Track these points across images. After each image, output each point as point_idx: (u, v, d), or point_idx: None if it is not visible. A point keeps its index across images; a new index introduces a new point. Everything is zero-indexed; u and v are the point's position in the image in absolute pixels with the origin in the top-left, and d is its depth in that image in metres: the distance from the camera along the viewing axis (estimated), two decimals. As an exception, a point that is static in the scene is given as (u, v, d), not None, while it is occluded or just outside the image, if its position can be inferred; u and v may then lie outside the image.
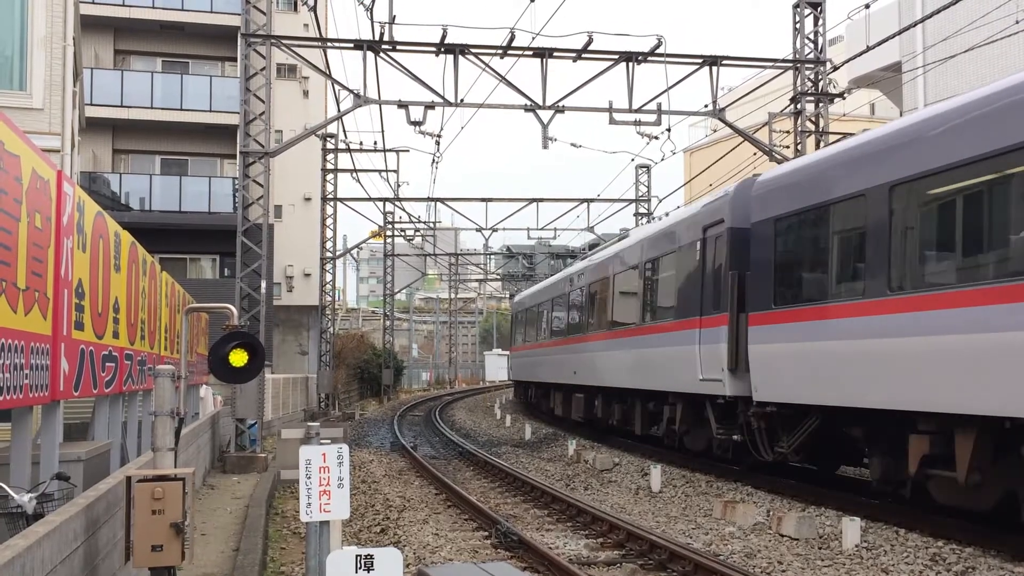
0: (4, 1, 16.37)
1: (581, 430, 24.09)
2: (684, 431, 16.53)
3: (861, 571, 8.96)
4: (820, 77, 21.00)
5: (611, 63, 20.25)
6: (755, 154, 23.20)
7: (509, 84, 20.27)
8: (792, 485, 13.56)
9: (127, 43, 33.73)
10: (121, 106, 31.52)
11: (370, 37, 20.04)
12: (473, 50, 19.90)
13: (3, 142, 5.65)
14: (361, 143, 37.98)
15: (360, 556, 4.90)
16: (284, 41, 20.57)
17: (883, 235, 10.48)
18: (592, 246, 41.13)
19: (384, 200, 39.75)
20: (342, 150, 37.15)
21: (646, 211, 38.06)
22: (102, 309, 8.57)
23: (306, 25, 33.23)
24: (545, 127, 20.67)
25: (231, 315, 7.91)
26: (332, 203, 37.83)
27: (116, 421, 10.34)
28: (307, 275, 37.27)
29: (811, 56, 20.97)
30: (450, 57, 19.78)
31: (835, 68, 21.20)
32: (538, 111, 20.38)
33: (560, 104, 20.41)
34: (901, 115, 26.11)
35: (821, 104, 21.04)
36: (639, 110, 20.67)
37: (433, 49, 19.76)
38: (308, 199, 37.08)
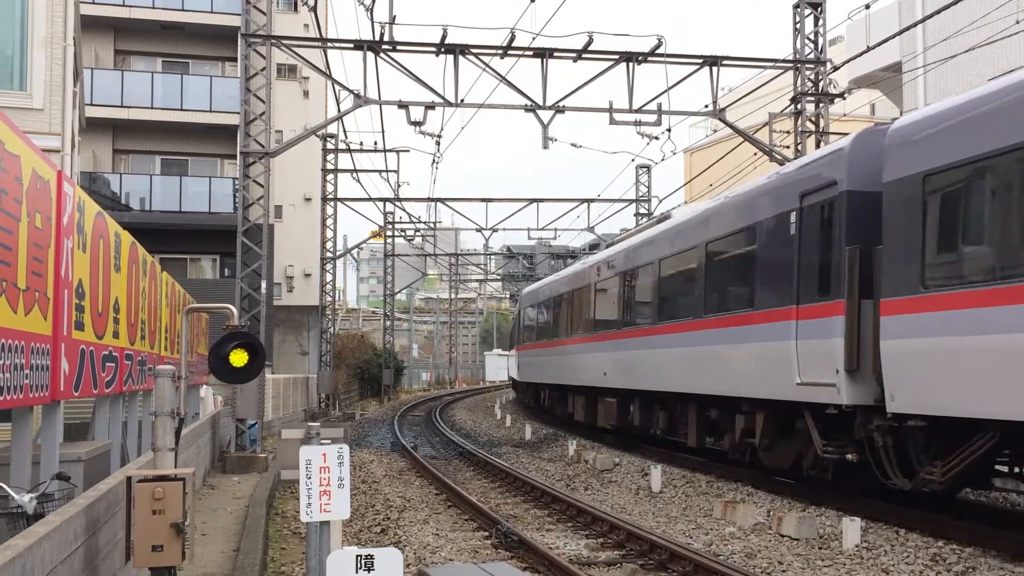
0: (4, 1, 16.37)
1: (605, 437, 22.01)
2: (766, 446, 13.50)
3: (861, 571, 8.96)
4: (820, 77, 21.00)
5: (611, 63, 20.25)
6: (755, 154, 23.20)
7: (509, 84, 20.27)
8: (792, 485, 13.54)
9: (127, 43, 33.73)
10: (121, 106, 31.53)
11: (370, 37, 20.06)
12: (473, 50, 19.90)
13: (3, 142, 5.65)
14: (361, 143, 38.01)
15: (360, 556, 4.91)
16: (284, 41, 20.58)
17: None
18: (592, 246, 41.18)
19: (384, 200, 39.78)
20: (342, 150, 37.16)
21: (646, 211, 38.07)
22: (102, 309, 8.57)
23: (306, 25, 33.23)
24: (545, 127, 20.67)
25: (231, 315, 7.91)
26: (332, 203, 37.84)
27: (116, 421, 10.34)
28: (307, 275, 37.27)
29: (811, 56, 20.97)
30: (450, 57, 19.78)
31: (835, 68, 21.20)
32: (538, 111, 20.38)
33: (560, 104, 20.41)
34: (901, 115, 26.11)
35: (821, 104, 21.04)
36: (639, 110, 20.67)
37: (433, 49, 19.76)
38: (308, 199, 37.07)
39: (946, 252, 9.77)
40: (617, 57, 20.14)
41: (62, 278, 6.98)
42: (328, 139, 36.58)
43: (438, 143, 24.67)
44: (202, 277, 32.63)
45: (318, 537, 5.84)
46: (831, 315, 11.15)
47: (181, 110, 32.17)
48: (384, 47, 19.74)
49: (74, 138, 19.94)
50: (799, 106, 21.04)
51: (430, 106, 20.31)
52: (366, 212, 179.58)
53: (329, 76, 23.48)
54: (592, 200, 37.57)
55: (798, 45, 20.98)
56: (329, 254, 38.30)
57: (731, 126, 21.56)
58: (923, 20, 20.74)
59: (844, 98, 21.77)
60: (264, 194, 19.93)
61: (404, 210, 42.19)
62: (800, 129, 20.99)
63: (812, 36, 20.99)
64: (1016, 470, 10.47)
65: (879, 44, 19.36)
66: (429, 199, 37.33)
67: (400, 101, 20.29)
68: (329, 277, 38.55)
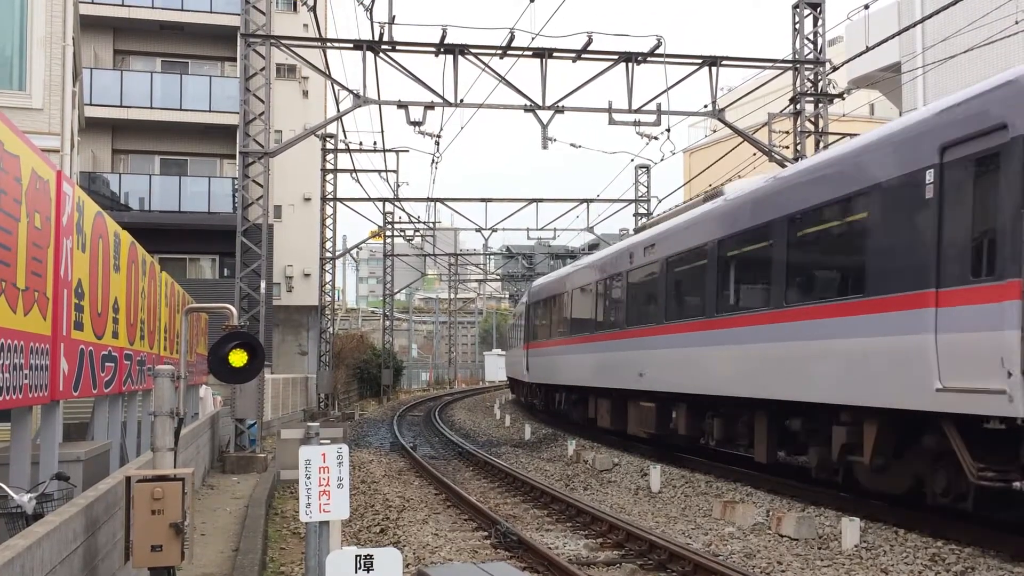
0: (4, 1, 16.37)
1: (637, 447, 19.49)
2: (880, 466, 10.86)
3: (860, 571, 8.96)
4: (819, 77, 21.00)
5: (611, 63, 20.25)
6: (754, 154, 23.21)
7: (509, 84, 20.27)
8: (791, 485, 13.55)
9: (126, 43, 33.73)
10: (120, 106, 31.52)
11: (370, 37, 20.05)
12: (473, 50, 19.90)
13: (3, 142, 5.65)
14: (361, 143, 38.01)
15: (360, 556, 4.91)
16: (284, 41, 20.57)
17: None
18: (592, 246, 41.16)
19: (384, 200, 39.78)
20: (342, 150, 37.15)
21: (645, 211, 38.07)
22: (102, 309, 8.57)
23: (305, 25, 33.22)
24: (545, 127, 20.67)
25: (230, 315, 7.91)
26: (332, 203, 37.84)
27: (115, 421, 10.34)
28: (307, 275, 37.27)
29: (811, 56, 20.97)
30: (450, 57, 19.78)
31: (835, 68, 21.20)
32: (538, 111, 20.38)
33: (560, 104, 20.41)
34: (900, 115, 26.13)
35: (820, 104, 21.04)
36: (639, 110, 20.67)
37: (433, 49, 19.76)
38: (308, 199, 37.07)
39: None
40: (616, 57, 20.14)
41: (61, 278, 6.98)
42: (327, 139, 36.58)
43: (437, 143, 24.66)
44: (201, 277, 32.63)
45: (317, 537, 5.84)
46: (1000, 300, 8.56)
47: (180, 110, 32.18)
48: (383, 47, 19.73)
49: (73, 138, 19.94)
50: (798, 106, 21.05)
51: (429, 106, 20.31)
52: (365, 212, 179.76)
53: (328, 76, 23.48)
54: (591, 200, 37.57)
55: (797, 45, 20.98)
56: (328, 254, 38.30)
57: (730, 126, 21.56)
58: (922, 20, 20.75)
59: (843, 98, 21.77)
60: (263, 194, 19.92)
61: (403, 210, 42.21)
62: (799, 129, 21.00)
63: (811, 36, 20.99)
64: None
65: (878, 44, 19.36)
66: (428, 199, 37.35)
67: (399, 101, 20.29)
68: (328, 277, 38.55)
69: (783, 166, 19.63)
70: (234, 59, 30.79)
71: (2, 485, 6.20)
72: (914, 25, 21.73)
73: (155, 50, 34.06)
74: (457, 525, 12.20)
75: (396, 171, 36.93)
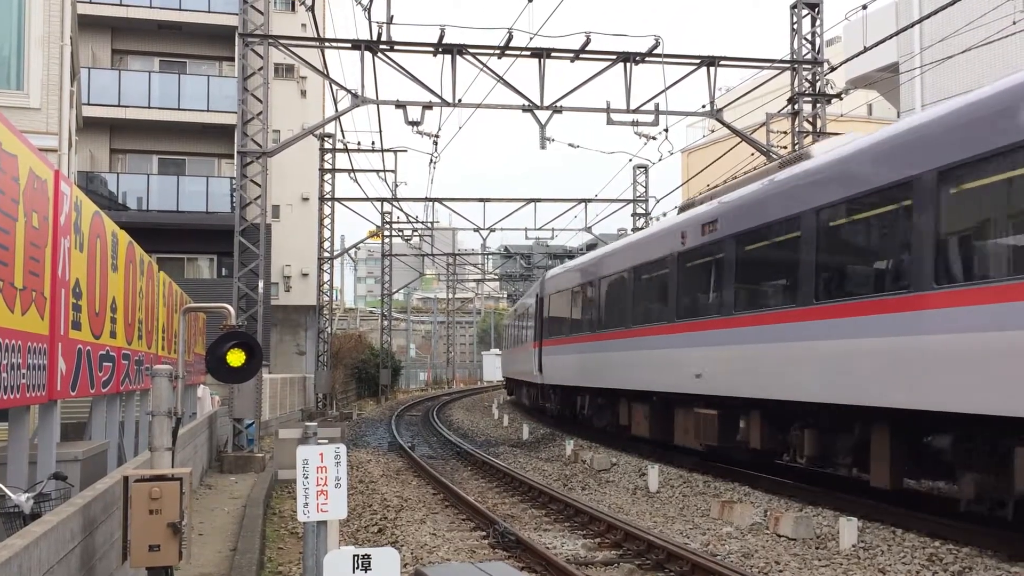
0: (2, 1, 16.35)
1: (680, 459, 17.28)
2: None
3: (858, 571, 8.97)
4: (817, 78, 21.02)
5: (609, 63, 20.26)
6: (753, 155, 23.22)
7: (507, 84, 20.27)
8: (789, 485, 13.56)
9: (124, 43, 33.71)
10: (118, 106, 31.51)
11: (368, 37, 20.05)
12: (471, 50, 19.90)
13: (0, 142, 5.65)
14: (359, 143, 38.08)
15: (357, 556, 4.90)
16: (282, 41, 20.57)
17: None
18: (590, 246, 41.14)
19: (382, 200, 39.76)
20: (340, 150, 37.14)
21: (644, 211, 38.08)
22: (99, 309, 8.56)
23: (304, 25, 33.20)
24: (543, 127, 20.68)
25: (228, 315, 7.90)
26: (330, 203, 37.83)
27: (113, 421, 10.34)
28: (305, 275, 37.26)
29: (809, 57, 20.99)
30: (448, 57, 19.78)
31: (832, 69, 21.22)
32: (536, 111, 20.39)
33: (558, 104, 20.42)
34: (899, 116, 26.17)
35: (818, 105, 21.06)
36: (637, 110, 20.69)
37: (431, 49, 19.76)
38: (306, 199, 37.06)
39: None
40: (615, 57, 20.15)
41: (59, 278, 6.98)
42: (326, 139, 36.57)
43: (436, 143, 24.66)
44: (199, 277, 32.62)
45: (315, 537, 5.85)
46: None
47: (178, 110, 32.16)
48: (382, 47, 19.73)
49: (71, 138, 19.92)
50: (796, 106, 21.06)
51: (428, 106, 20.32)
52: (363, 212, 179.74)
53: (327, 76, 23.47)
54: (589, 200, 37.58)
55: (795, 45, 21.00)
56: (326, 254, 38.29)
57: (728, 126, 21.57)
58: (920, 21, 20.73)
59: (841, 98, 21.80)
60: (261, 194, 19.92)
61: (402, 210, 42.22)
62: (797, 129, 21.02)
63: (809, 36, 21.01)
64: None
65: (876, 44, 19.37)
66: (427, 199, 37.33)
67: (398, 101, 20.29)
68: (326, 277, 38.54)
69: (781, 167, 19.62)
70: (232, 59, 30.77)
71: (0, 485, 6.19)
72: (912, 25, 21.73)
73: (153, 50, 34.04)
74: (455, 525, 12.20)
75: (394, 171, 36.93)
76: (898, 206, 10.62)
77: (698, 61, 20.63)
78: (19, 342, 5.94)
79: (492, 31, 64.46)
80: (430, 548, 10.37)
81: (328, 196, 37.63)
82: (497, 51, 19.80)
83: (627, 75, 20.18)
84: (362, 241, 48.02)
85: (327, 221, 38.04)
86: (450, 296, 76.18)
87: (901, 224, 10.59)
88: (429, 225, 44.79)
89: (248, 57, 19.90)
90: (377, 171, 36.46)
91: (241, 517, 11.66)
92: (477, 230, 39.08)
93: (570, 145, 26.65)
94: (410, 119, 20.49)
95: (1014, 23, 18.05)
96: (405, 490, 15.43)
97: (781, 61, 21.38)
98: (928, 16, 18.73)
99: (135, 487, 5.86)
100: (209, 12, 32.97)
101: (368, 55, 19.77)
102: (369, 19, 20.32)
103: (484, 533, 11.27)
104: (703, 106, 21.33)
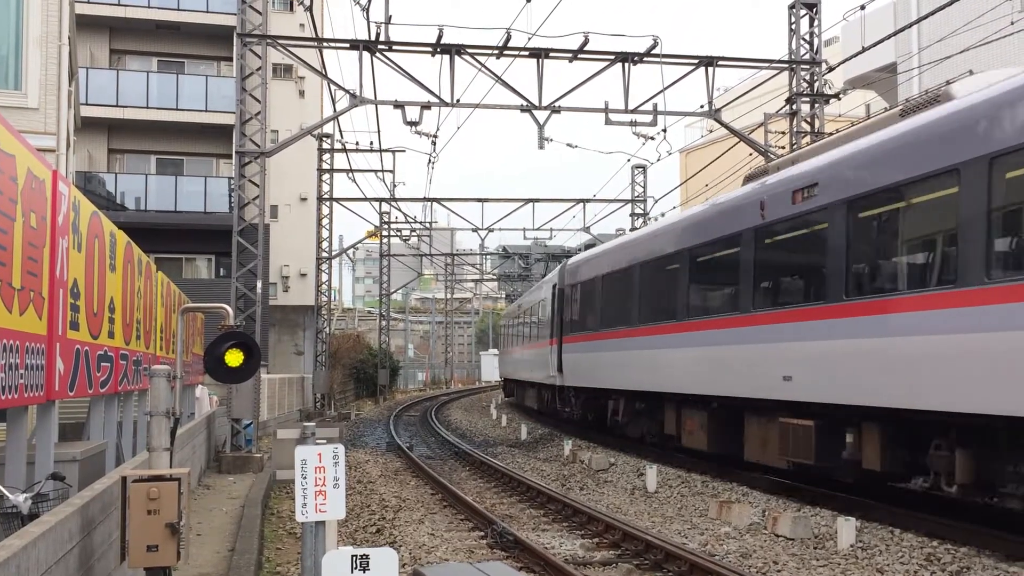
0: (0, 1, 16.34)
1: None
2: None
3: (856, 571, 8.97)
4: (816, 78, 21.04)
5: (607, 63, 20.27)
6: (751, 155, 23.24)
7: (505, 84, 20.28)
8: (787, 485, 13.56)
9: (123, 43, 33.69)
10: (117, 106, 31.48)
11: (366, 37, 20.06)
12: (469, 50, 19.91)
13: (-2, 142, 5.64)
14: (357, 143, 38.08)
15: (356, 556, 4.90)
16: (280, 41, 20.57)
17: None
18: (588, 246, 41.13)
19: (380, 200, 39.77)
20: (338, 150, 37.14)
21: (642, 211, 38.09)
22: (97, 309, 8.56)
23: (302, 25, 33.21)
24: (541, 127, 20.69)
25: (227, 315, 7.90)
26: (328, 203, 37.82)
27: (111, 421, 10.33)
28: (303, 275, 37.26)
29: (807, 57, 21.01)
30: (446, 57, 19.78)
31: (831, 69, 21.25)
32: (534, 111, 20.39)
33: (556, 104, 20.43)
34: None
35: (817, 105, 21.08)
36: (635, 111, 20.71)
37: (429, 49, 19.76)
38: (304, 199, 37.06)
39: None
40: (613, 57, 20.16)
41: (57, 278, 6.97)
42: (324, 139, 36.56)
43: (434, 143, 24.69)
44: (197, 277, 32.60)
45: (313, 537, 5.84)
46: None
47: (177, 110, 32.14)
48: (380, 47, 19.73)
49: (69, 138, 19.90)
50: (794, 107, 21.08)
51: (426, 106, 20.33)
52: (362, 212, 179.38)
53: (325, 76, 23.47)
54: (588, 200, 37.60)
55: (793, 46, 21.02)
56: (325, 254, 38.29)
57: (727, 127, 21.59)
58: (918, 21, 20.76)
59: (839, 99, 21.81)
60: (260, 194, 19.92)
61: (400, 210, 42.24)
62: (795, 130, 21.03)
63: (807, 37, 21.03)
64: None
65: (874, 45, 19.39)
66: (425, 199, 37.33)
67: (396, 101, 20.29)
68: (325, 277, 38.54)
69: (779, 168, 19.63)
70: (230, 59, 30.74)
71: (-2, 485, 6.19)
72: (910, 26, 21.76)
73: (151, 50, 34.02)
74: (453, 525, 12.20)
75: (392, 171, 36.90)
76: None
77: (696, 61, 20.65)
78: (17, 342, 5.94)
79: (490, 31, 64.55)
80: (428, 548, 10.37)
81: (326, 196, 37.63)
82: (495, 51, 19.81)
83: (625, 75, 20.20)
84: (360, 241, 48.07)
85: (325, 221, 38.05)
86: (448, 296, 76.18)
87: None
88: (427, 225, 44.80)
89: (246, 57, 19.90)
90: (375, 171, 36.48)
91: (239, 517, 11.65)
92: (475, 230, 39.12)
93: (568, 145, 26.70)
94: (408, 119, 20.50)
95: (1012, 23, 18.08)
96: (403, 490, 15.43)
97: (779, 61, 21.40)
98: (926, 16, 18.76)
99: (133, 487, 5.86)
100: (207, 12, 32.94)
101: (366, 55, 19.77)
102: (367, 19, 20.36)
103: (482, 533, 11.27)
104: (701, 106, 21.35)
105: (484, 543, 10.75)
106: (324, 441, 5.95)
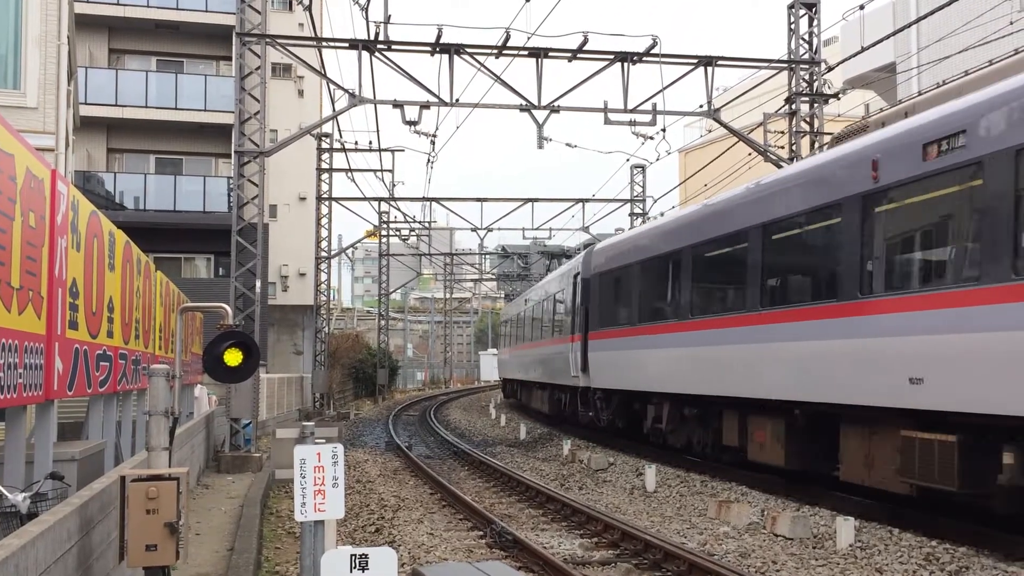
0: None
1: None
2: None
3: (855, 571, 8.98)
4: (815, 78, 21.04)
5: (606, 63, 20.28)
6: (750, 155, 23.24)
7: (504, 84, 20.28)
8: (786, 485, 13.56)
9: (122, 42, 33.69)
10: (116, 105, 31.48)
11: (365, 37, 20.06)
12: (468, 50, 19.91)
13: (-3, 141, 5.64)
14: (356, 143, 38.08)
15: (355, 555, 4.90)
16: (279, 40, 20.56)
17: None
18: (587, 246, 41.15)
19: (379, 200, 39.76)
20: (337, 150, 37.12)
21: (641, 211, 38.09)
22: (96, 308, 8.55)
23: (301, 24, 33.22)
24: (540, 127, 20.69)
25: (225, 314, 7.90)
26: (327, 202, 37.81)
27: (110, 420, 10.32)
28: (302, 275, 37.25)
29: (806, 57, 21.02)
30: (445, 57, 19.78)
31: (830, 69, 21.25)
32: (533, 111, 20.39)
33: (555, 104, 20.43)
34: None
35: (816, 105, 21.08)
36: (634, 110, 20.71)
37: (428, 49, 19.76)
38: (303, 198, 37.05)
39: None
40: (612, 57, 20.16)
41: (56, 277, 6.97)
42: (323, 138, 36.55)
43: (433, 143, 24.70)
44: (196, 276, 32.59)
45: (312, 536, 5.84)
46: None
47: (176, 109, 32.14)
48: (379, 46, 19.73)
49: (68, 137, 19.89)
50: (794, 106, 21.09)
51: (425, 106, 20.32)
52: (361, 212, 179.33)
53: (324, 75, 23.46)
54: (587, 200, 37.59)
55: (793, 45, 21.02)
56: (324, 253, 38.27)
57: (726, 126, 21.59)
58: (917, 21, 20.77)
59: (839, 98, 21.82)
60: (259, 193, 19.91)
61: (399, 209, 42.24)
62: (795, 129, 21.04)
63: (807, 36, 21.04)
64: None
65: (873, 45, 19.40)
66: (424, 199, 37.32)
67: (395, 100, 20.28)
68: (324, 276, 38.53)
69: (779, 167, 19.66)
70: (229, 58, 30.74)
71: (-4, 485, 6.19)
72: (909, 26, 21.77)
73: (150, 49, 34.02)
74: (452, 525, 12.21)
75: (392, 171, 36.92)
76: None
77: (695, 61, 20.65)
78: (16, 341, 5.94)
79: (490, 31, 64.39)
80: (427, 548, 10.36)
81: (325, 196, 37.61)
82: (495, 51, 19.81)
83: (624, 75, 20.20)
84: (359, 241, 48.00)
85: (324, 221, 38.02)
86: (447, 296, 76.16)
87: None
88: (426, 225, 44.77)
89: (245, 56, 19.89)
90: (374, 171, 36.47)
91: (238, 517, 11.65)
92: (474, 230, 39.09)
93: (567, 145, 26.68)
94: (407, 119, 20.49)
95: (1011, 23, 18.09)
96: (402, 490, 15.42)
97: (778, 61, 21.40)
98: (925, 16, 18.77)
99: (132, 487, 5.85)
100: (206, 11, 32.95)
101: (365, 55, 19.76)
102: (366, 19, 20.33)
103: (481, 533, 11.28)
104: (700, 106, 21.35)
105: (483, 543, 10.75)
106: (323, 441, 5.95)
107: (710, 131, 38.01)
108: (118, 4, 32.15)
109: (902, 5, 26.14)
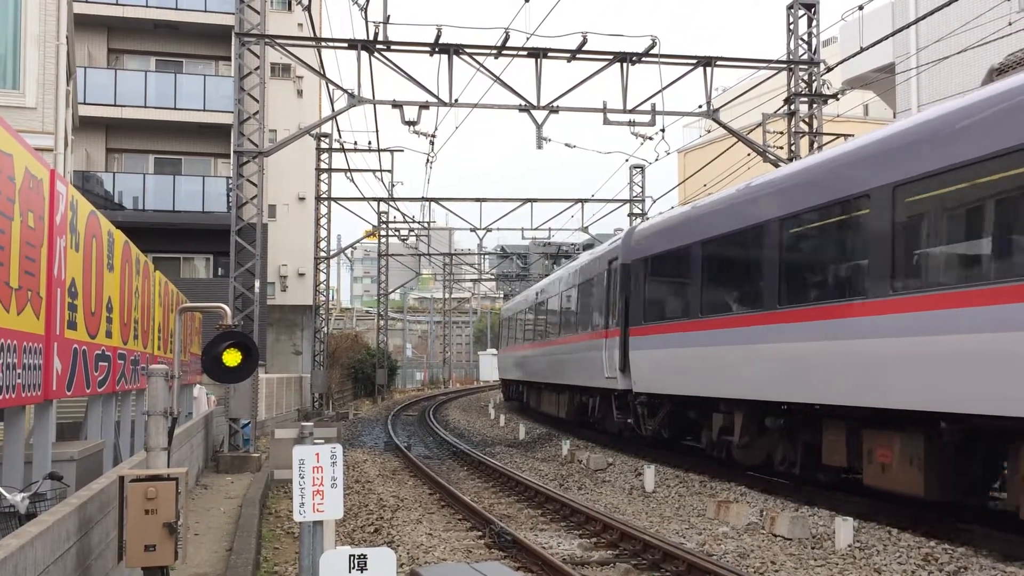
0: (-3, 0, 16.34)
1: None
2: None
3: (854, 571, 8.98)
4: (814, 78, 21.05)
5: (605, 63, 20.28)
6: (749, 155, 23.25)
7: (503, 84, 20.28)
8: (785, 485, 13.56)
9: (121, 42, 33.67)
10: (115, 105, 31.46)
11: (364, 37, 20.06)
12: (467, 50, 19.91)
13: (-4, 141, 5.64)
14: (355, 143, 38.07)
15: (353, 556, 4.90)
16: (278, 40, 20.56)
17: None
18: (587, 247, 41.14)
19: (378, 200, 39.75)
20: (336, 150, 37.12)
21: (640, 211, 38.10)
22: (95, 308, 8.55)
23: (300, 24, 33.20)
24: (539, 127, 20.69)
25: (224, 315, 7.90)
26: (326, 203, 37.81)
27: (109, 421, 10.32)
28: (301, 275, 37.24)
29: (805, 57, 21.02)
30: (444, 57, 19.78)
31: (829, 69, 21.26)
32: (532, 111, 20.39)
33: (554, 104, 20.42)
34: (895, 117, 26.22)
35: (815, 105, 21.09)
36: (633, 111, 20.72)
37: (427, 49, 19.76)
38: (302, 199, 37.04)
39: None
40: (611, 57, 20.17)
41: (55, 277, 6.96)
42: (322, 138, 36.55)
43: (432, 143, 24.69)
44: (195, 276, 32.58)
45: (311, 537, 5.84)
46: None
47: (175, 109, 32.12)
48: (378, 46, 19.73)
49: (67, 137, 19.88)
50: (793, 107, 21.09)
51: (424, 106, 20.32)
52: (360, 212, 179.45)
53: (323, 75, 23.46)
54: (586, 200, 37.60)
55: (792, 46, 21.03)
56: (323, 253, 38.27)
57: (725, 127, 21.60)
58: (916, 21, 20.77)
59: (838, 99, 21.83)
60: (258, 193, 19.91)
61: (398, 210, 42.24)
62: (794, 130, 21.04)
63: (806, 37, 21.04)
64: None
65: (872, 45, 19.41)
66: (423, 199, 37.32)
67: (394, 101, 20.28)
68: (323, 277, 38.52)
69: (777, 167, 19.65)
70: (229, 58, 30.75)
71: (-5, 485, 6.19)
72: (908, 26, 21.77)
73: (149, 49, 34.00)
74: (451, 525, 12.20)
75: (391, 171, 36.93)
76: None
77: (695, 61, 20.65)
78: (15, 342, 5.93)
79: (489, 31, 64.42)
80: (426, 548, 10.36)
81: (324, 196, 37.60)
82: (494, 51, 19.81)
83: (624, 75, 20.20)
84: (358, 241, 48.00)
85: (323, 221, 38.02)
86: (446, 296, 76.18)
87: None
88: (425, 225, 44.78)
89: (244, 56, 19.89)
90: (373, 171, 36.48)
91: (237, 517, 11.65)
92: (473, 230, 39.09)
93: (567, 145, 26.68)
94: (407, 119, 20.49)
95: (1010, 23, 18.10)
96: (401, 490, 15.42)
97: (777, 61, 21.41)
98: (924, 17, 18.77)
99: (131, 487, 5.85)
100: (205, 11, 32.93)
101: (365, 55, 19.76)
102: (365, 19, 20.31)
103: (480, 533, 11.28)
104: (699, 106, 21.36)
105: (482, 543, 10.75)
106: (322, 441, 5.95)
107: (709, 131, 38.05)
108: (117, 4, 32.13)
109: (901, 6, 26.15)
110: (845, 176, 11.33)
